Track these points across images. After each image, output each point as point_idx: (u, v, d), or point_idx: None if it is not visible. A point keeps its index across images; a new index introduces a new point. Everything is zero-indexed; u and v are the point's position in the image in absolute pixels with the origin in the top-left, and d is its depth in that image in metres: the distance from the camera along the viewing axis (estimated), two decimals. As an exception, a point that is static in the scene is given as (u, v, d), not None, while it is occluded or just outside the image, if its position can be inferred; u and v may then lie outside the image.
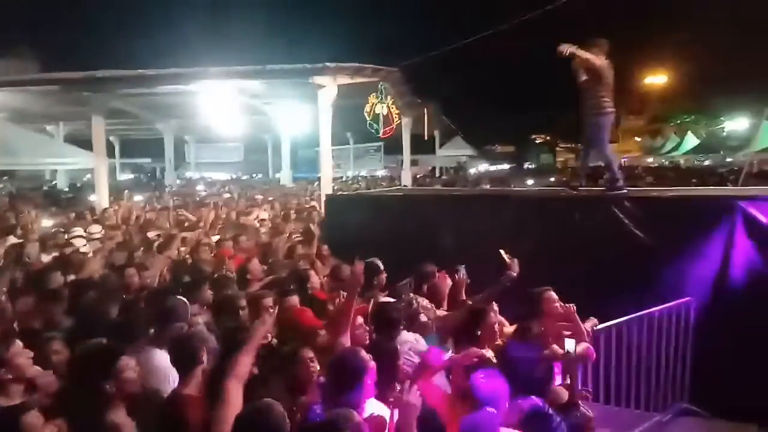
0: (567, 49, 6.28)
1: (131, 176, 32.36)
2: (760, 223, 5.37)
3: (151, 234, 8.37)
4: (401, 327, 4.04)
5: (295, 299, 4.52)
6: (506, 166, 42.35)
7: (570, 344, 3.73)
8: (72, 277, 5.72)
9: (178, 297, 4.12)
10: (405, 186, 19.06)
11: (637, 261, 5.65)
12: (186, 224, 9.35)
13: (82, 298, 4.65)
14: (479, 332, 3.99)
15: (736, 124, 33.84)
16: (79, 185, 21.78)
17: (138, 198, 15.00)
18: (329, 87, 11.34)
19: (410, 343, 4.00)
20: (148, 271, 5.95)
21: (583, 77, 6.50)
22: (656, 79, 53.45)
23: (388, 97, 14.49)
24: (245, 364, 2.84)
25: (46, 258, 6.90)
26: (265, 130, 23.45)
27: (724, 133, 33.89)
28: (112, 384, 2.90)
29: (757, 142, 15.67)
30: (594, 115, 6.51)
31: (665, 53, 50.96)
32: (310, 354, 3.35)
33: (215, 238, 8.29)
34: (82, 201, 13.94)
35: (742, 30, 37.19)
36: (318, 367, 3.31)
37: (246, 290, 5.01)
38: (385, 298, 4.79)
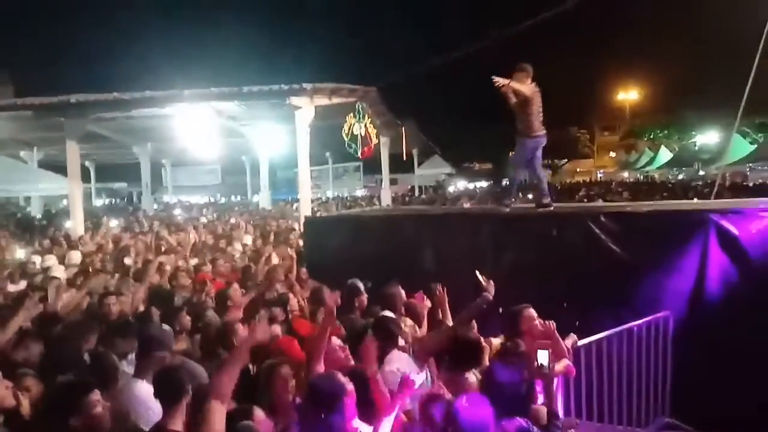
0: (501, 82, 6.52)
1: (107, 201, 31.94)
2: (732, 236, 5.43)
3: (128, 260, 8.26)
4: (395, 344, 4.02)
5: (277, 328, 4.46)
6: (485, 184, 42.71)
7: (543, 356, 3.70)
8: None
9: (160, 325, 4.04)
10: (384, 205, 19.09)
11: (614, 276, 5.68)
12: (163, 249, 9.24)
13: (53, 331, 4.53)
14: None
15: (707, 137, 34.66)
16: (53, 211, 21.41)
17: (114, 223, 14.79)
18: (306, 108, 11.39)
19: (398, 363, 3.95)
20: (125, 297, 5.84)
21: (513, 100, 6.69)
22: (628, 95, 54.73)
23: (366, 117, 14.58)
24: (227, 384, 2.75)
25: (15, 288, 6.74)
26: (242, 151, 23.38)
27: (696, 147, 34.63)
28: (78, 420, 2.83)
29: (728, 155, 16.04)
30: (524, 137, 6.77)
31: (636, 69, 52.23)
32: (288, 371, 3.31)
33: (193, 262, 8.20)
34: (57, 228, 13.68)
35: (709, 45, 38.28)
36: (294, 386, 3.28)
37: (225, 316, 4.94)
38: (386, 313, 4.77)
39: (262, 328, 3.09)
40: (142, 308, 5.77)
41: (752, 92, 9.10)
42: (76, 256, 8.72)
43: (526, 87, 6.62)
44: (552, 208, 6.87)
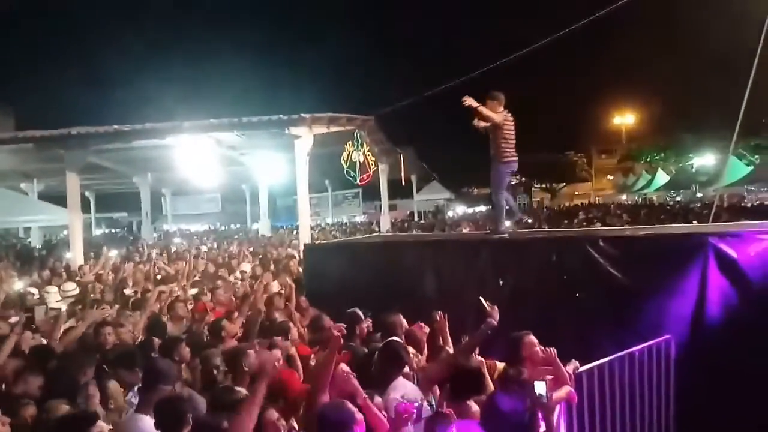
0: (469, 102, 6.68)
1: (107, 231, 31.96)
2: (731, 259, 5.43)
3: (127, 290, 8.25)
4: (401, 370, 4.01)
5: (278, 354, 4.44)
6: (484, 208, 42.75)
7: (540, 387, 3.68)
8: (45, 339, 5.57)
9: (164, 358, 4.03)
10: (384, 232, 19.11)
11: (615, 300, 5.68)
12: (162, 278, 9.23)
13: (50, 363, 4.51)
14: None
15: (704, 159, 34.82)
16: (54, 242, 21.42)
17: (114, 253, 14.79)
18: (305, 137, 11.49)
19: (403, 390, 3.92)
20: (124, 328, 5.82)
21: (481, 124, 6.86)
22: (624, 118, 55.24)
23: (365, 145, 14.70)
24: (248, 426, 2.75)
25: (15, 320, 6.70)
26: (242, 180, 23.51)
27: (693, 170, 34.78)
28: None
29: (725, 177, 16.12)
30: (495, 162, 6.98)
31: (631, 93, 52.80)
32: (275, 415, 3.26)
33: (193, 291, 8.19)
34: (57, 258, 13.68)
35: (704, 68, 38.76)
36: (287, 426, 3.24)
37: (220, 346, 4.92)
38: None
39: (271, 361, 3.09)
40: (141, 338, 5.77)
41: (747, 114, 9.22)
42: (71, 287, 8.70)
43: (497, 114, 6.81)
44: (506, 235, 7.08)
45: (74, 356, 4.63)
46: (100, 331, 5.34)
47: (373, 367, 4.16)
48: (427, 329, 5.08)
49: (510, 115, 6.94)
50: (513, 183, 61.27)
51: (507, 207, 7.27)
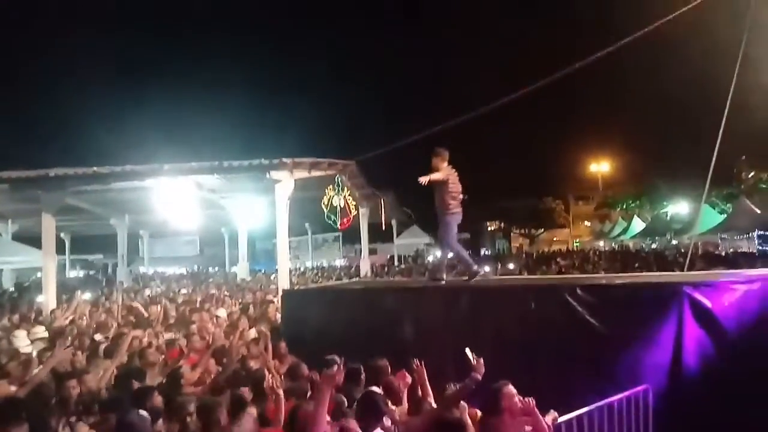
0: (423, 180, 7.11)
1: (81, 273, 31.34)
2: (705, 308, 5.50)
3: (98, 336, 8.04)
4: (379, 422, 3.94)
5: (253, 411, 4.33)
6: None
7: None
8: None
9: (138, 412, 3.90)
10: (363, 277, 19.02)
11: (593, 349, 5.67)
12: (135, 322, 9.03)
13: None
14: None
15: (678, 207, 35.55)
16: (26, 284, 20.91)
17: (87, 296, 14.46)
18: (286, 181, 11.52)
19: None
20: (92, 375, 5.65)
21: (425, 180, 7.17)
22: (600, 166, 56.58)
23: (345, 189, 14.77)
24: None
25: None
26: (222, 223, 23.35)
27: (668, 217, 35.45)
28: None
29: (699, 226, 16.45)
30: (442, 215, 7.36)
31: (607, 142, 54.28)
32: None
33: (168, 335, 8.01)
34: (29, 302, 13.32)
35: (676, 119, 40.09)
36: None
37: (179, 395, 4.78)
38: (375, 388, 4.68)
39: None
40: (111, 387, 5.59)
41: (718, 163, 9.50)
42: (41, 331, 8.47)
43: (442, 171, 7.25)
44: (443, 283, 7.40)
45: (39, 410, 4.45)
46: (64, 385, 5.14)
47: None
48: (409, 379, 5.02)
49: (454, 170, 7.36)
50: (492, 229, 62.31)
51: (451, 257, 7.73)
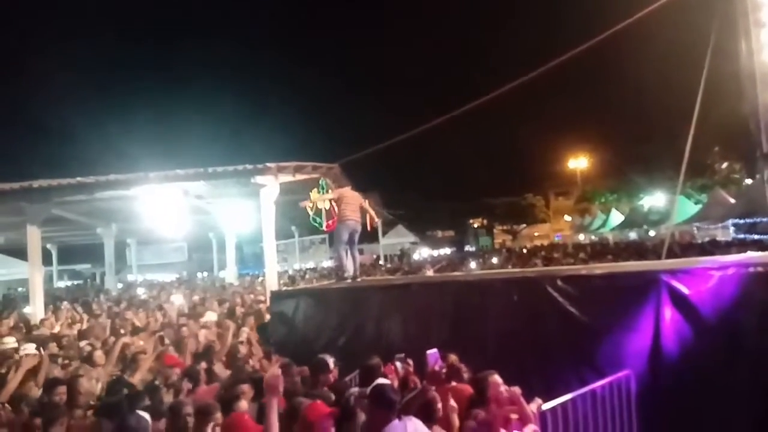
0: (305, 204, 9.88)
1: (69, 283, 31.06)
2: (683, 295, 5.64)
3: (86, 344, 8.04)
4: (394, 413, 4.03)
5: (243, 405, 4.42)
6: (448, 250, 43.20)
7: None
8: None
9: (138, 413, 3.97)
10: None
11: (575, 337, 5.82)
12: (123, 331, 9.05)
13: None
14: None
15: (655, 199, 36.05)
16: (13, 296, 20.72)
17: (75, 306, 14.38)
18: (271, 185, 11.60)
19: None
20: (84, 383, 5.68)
21: (305, 204, 9.85)
22: (578, 162, 57.29)
23: (330, 192, 14.80)
24: None
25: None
26: (209, 228, 23.29)
27: (645, 209, 35.95)
28: None
29: (675, 216, 16.75)
30: (339, 223, 8.98)
31: (584, 138, 55.00)
32: None
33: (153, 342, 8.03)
34: (16, 313, 13.22)
35: (653, 111, 40.68)
36: None
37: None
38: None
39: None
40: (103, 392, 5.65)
41: (692, 155, 9.74)
42: (30, 347, 8.43)
43: (334, 192, 9.64)
44: (360, 281, 8.92)
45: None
46: (54, 391, 5.20)
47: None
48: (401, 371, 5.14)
49: (347, 189, 9.50)
50: (476, 226, 62.82)
51: (349, 257, 8.97)
